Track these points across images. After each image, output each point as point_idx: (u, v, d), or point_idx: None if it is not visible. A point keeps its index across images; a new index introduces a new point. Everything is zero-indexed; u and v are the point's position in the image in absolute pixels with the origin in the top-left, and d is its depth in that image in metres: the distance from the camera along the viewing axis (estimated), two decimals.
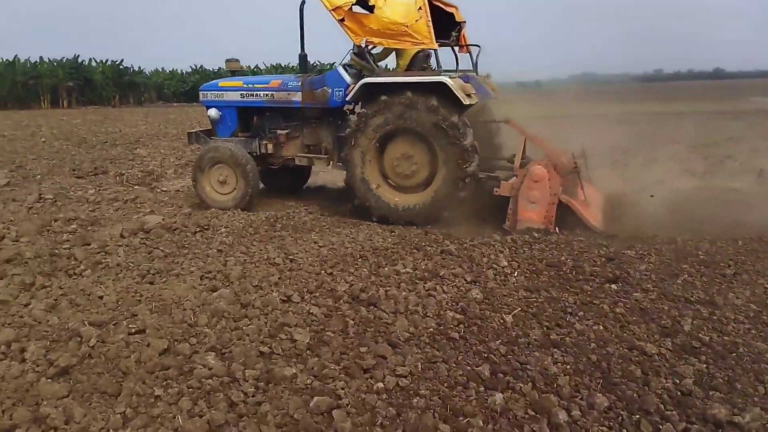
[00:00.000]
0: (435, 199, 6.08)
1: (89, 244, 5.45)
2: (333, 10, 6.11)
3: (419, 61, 6.89)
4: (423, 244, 5.45)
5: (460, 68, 7.21)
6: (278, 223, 6.36)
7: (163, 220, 6.08)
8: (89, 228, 6.17)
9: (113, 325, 3.67)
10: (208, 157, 6.90)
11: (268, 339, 3.41)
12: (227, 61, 7.56)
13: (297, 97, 6.83)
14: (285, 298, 4.11)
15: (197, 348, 3.34)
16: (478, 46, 7.21)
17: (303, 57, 7.02)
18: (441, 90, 5.84)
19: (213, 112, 7.33)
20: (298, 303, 4.03)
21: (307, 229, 6.16)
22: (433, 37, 5.99)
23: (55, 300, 4.07)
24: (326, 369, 2.97)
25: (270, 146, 7.10)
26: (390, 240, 5.62)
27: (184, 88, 53.41)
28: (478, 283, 4.31)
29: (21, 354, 3.27)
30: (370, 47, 6.28)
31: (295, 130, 7.10)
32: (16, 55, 37.88)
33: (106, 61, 46.57)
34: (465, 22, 7.01)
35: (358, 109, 6.75)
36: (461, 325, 3.51)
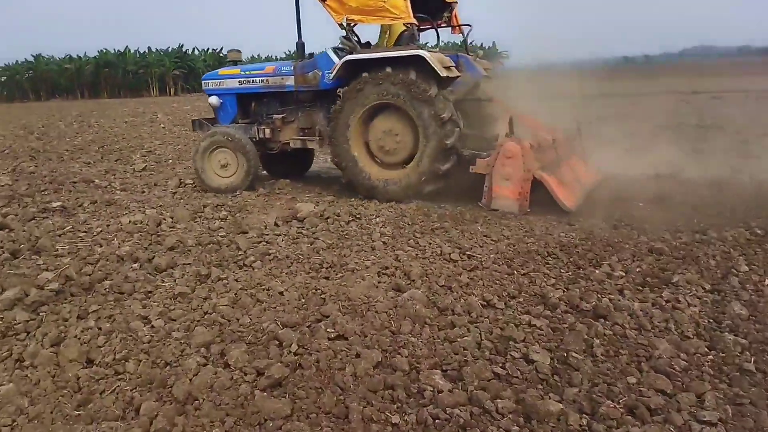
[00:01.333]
0: (418, 173, 6.12)
1: (246, 233, 5.19)
2: None
3: (404, 40, 6.91)
4: (616, 240, 4.73)
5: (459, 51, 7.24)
6: (432, 213, 5.85)
7: (315, 207, 5.72)
8: (237, 214, 5.96)
9: (307, 327, 3.28)
10: (208, 142, 7.06)
11: (497, 357, 2.88)
12: (229, 51, 7.86)
13: (290, 81, 6.97)
14: (485, 303, 3.58)
15: (414, 363, 2.86)
16: (470, 25, 7.33)
17: (301, 44, 7.10)
18: (420, 63, 5.87)
19: (214, 100, 7.51)
20: (502, 309, 3.49)
21: (468, 220, 5.59)
22: (410, 12, 6.01)
23: (235, 294, 3.76)
24: (602, 407, 2.37)
25: (267, 131, 7.23)
26: (574, 235, 4.93)
27: None
28: (722, 293, 3.55)
29: (223, 359, 2.94)
30: (351, 25, 6.40)
31: (290, 114, 7.23)
32: (127, 46, 40.20)
33: (208, 49, 48.51)
34: (456, 2, 7.14)
35: None
36: (746, 352, 2.79)
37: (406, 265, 4.23)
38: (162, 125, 16.62)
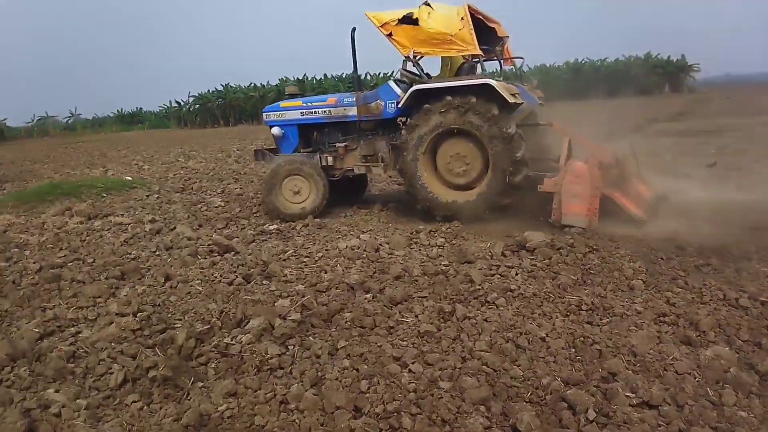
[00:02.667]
0: (478, 200, 6.32)
1: (472, 262, 4.76)
2: (381, 26, 6.50)
3: (465, 71, 7.26)
4: None
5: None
6: (686, 245, 4.93)
7: (544, 236, 5.13)
8: (453, 241, 5.60)
9: (596, 387, 2.70)
10: (285, 169, 7.23)
11: None
12: (287, 85, 8.90)
13: (352, 111, 7.24)
14: None
15: None
16: (522, 58, 7.61)
17: (357, 78, 7.49)
18: (486, 92, 6.05)
19: (276, 131, 7.75)
20: None
21: (735, 255, 4.60)
22: (476, 44, 6.19)
23: (490, 337, 3.29)
24: None
25: (330, 159, 7.45)
26: None
27: None
28: None
29: (508, 421, 2.47)
30: (417, 58, 6.60)
31: (352, 142, 7.44)
32: (305, 74, 43.68)
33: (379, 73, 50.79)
34: (508, 36, 7.36)
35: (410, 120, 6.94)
36: None
37: (689, 313, 3.45)
38: None
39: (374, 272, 4.71)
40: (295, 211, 7.18)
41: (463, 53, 6.60)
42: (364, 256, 5.20)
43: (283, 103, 7.86)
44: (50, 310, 4.12)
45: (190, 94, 50.78)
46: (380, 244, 5.46)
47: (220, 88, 48.25)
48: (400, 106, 6.73)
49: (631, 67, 48.80)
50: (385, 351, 3.20)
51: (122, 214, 7.90)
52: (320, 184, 7.17)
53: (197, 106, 49.56)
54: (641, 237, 5.27)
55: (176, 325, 3.72)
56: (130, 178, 11.52)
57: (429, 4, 6.52)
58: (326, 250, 5.54)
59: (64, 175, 13.82)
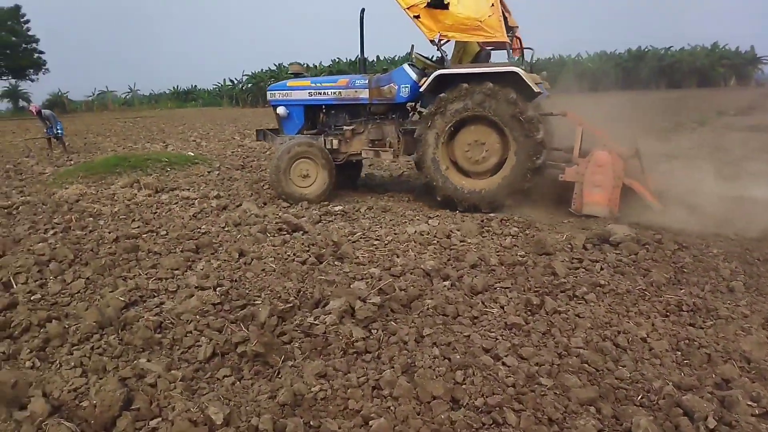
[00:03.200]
0: (501, 186, 6.26)
1: (550, 254, 4.58)
2: (408, 8, 6.33)
3: (482, 59, 7.08)
4: None
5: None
6: (757, 253, 4.61)
7: (628, 230, 4.88)
8: (527, 231, 5.41)
9: (710, 394, 2.52)
10: (295, 151, 6.92)
11: None
12: (290, 64, 7.92)
13: (364, 94, 7.05)
14: None
15: None
16: (531, 48, 7.36)
17: (363, 60, 7.45)
18: (512, 80, 6.06)
19: (282, 110, 7.47)
20: None
21: None
22: (504, 31, 6.17)
23: (585, 334, 3.13)
24: None
25: (335, 142, 7.25)
26: None
27: None
28: None
29: (621, 425, 2.31)
30: (442, 42, 6.43)
31: (359, 126, 7.26)
32: (356, 56, 43.22)
33: None
34: (518, 26, 7.15)
35: (419, 106, 7.07)
36: None
37: None
38: None
39: (448, 259, 4.59)
40: (301, 195, 6.95)
41: (490, 40, 6.40)
42: (435, 242, 5.09)
43: (290, 83, 7.58)
44: (131, 280, 4.17)
45: (244, 73, 51.35)
46: (451, 231, 5.32)
47: (274, 68, 48.53)
48: (422, 89, 6.53)
49: (697, 57, 46.59)
50: (474, 341, 3.09)
51: (188, 189, 8.02)
52: (329, 169, 6.98)
53: (250, 85, 50.03)
54: (732, 236, 4.96)
55: (256, 302, 3.70)
56: (191, 154, 11.71)
57: None
58: (395, 234, 5.44)
59: (126, 149, 14.20)
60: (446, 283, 4.02)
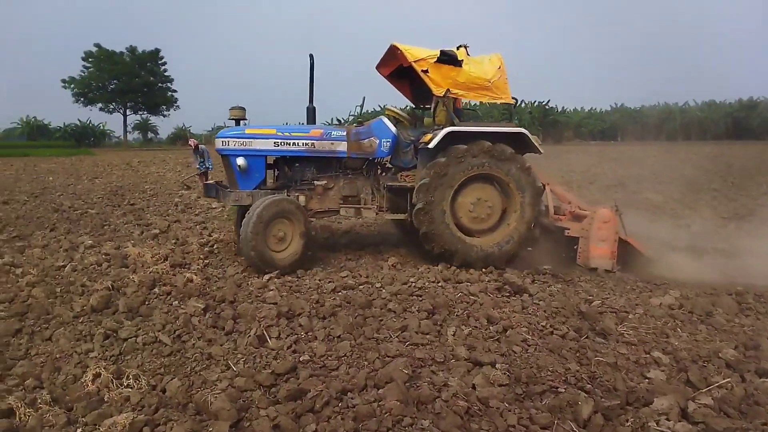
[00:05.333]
0: (513, 239, 6.27)
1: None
2: (415, 62, 6.16)
3: (460, 117, 6.81)
4: None
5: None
6: None
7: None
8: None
9: None
10: (272, 211, 5.88)
11: None
12: (231, 109, 6.69)
13: (342, 147, 6.52)
14: None
15: None
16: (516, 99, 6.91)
17: (312, 109, 6.77)
18: (518, 139, 6.27)
19: (242, 161, 6.32)
20: None
21: None
22: (510, 93, 6.41)
23: None
24: None
25: (302, 198, 6.45)
26: None
27: (602, 126, 52.31)
28: None
29: None
30: (449, 98, 6.33)
31: (330, 180, 6.69)
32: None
33: (535, 102, 49.29)
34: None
35: (390, 162, 6.88)
36: None
37: None
38: None
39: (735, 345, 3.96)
40: (273, 260, 5.86)
41: (495, 101, 6.51)
42: (696, 319, 4.47)
43: (249, 130, 6.51)
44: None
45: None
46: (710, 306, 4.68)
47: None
48: (430, 146, 6.06)
49: None
50: None
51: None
52: (305, 231, 6.04)
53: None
54: None
55: (559, 389, 3.26)
56: None
57: (466, 48, 6.47)
58: (636, 304, 4.88)
59: None
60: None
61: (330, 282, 5.38)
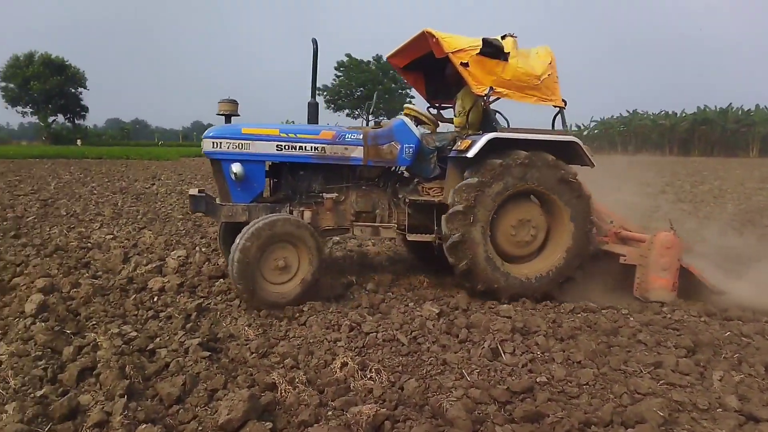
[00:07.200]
0: (568, 259, 5.26)
1: None
2: (453, 53, 5.01)
3: (491, 120, 5.40)
4: None
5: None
6: None
7: None
8: None
9: None
10: (273, 232, 4.70)
11: None
12: (220, 102, 5.30)
13: (357, 152, 5.31)
14: None
15: None
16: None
17: (314, 105, 5.55)
18: (566, 149, 5.30)
19: (238, 168, 5.10)
20: None
21: None
22: (560, 95, 5.35)
23: None
24: None
25: (308, 214, 5.19)
26: None
27: None
28: None
29: None
30: (492, 98, 5.22)
31: (341, 193, 5.50)
32: (730, 104, 37.53)
33: None
34: None
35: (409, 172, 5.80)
36: None
37: None
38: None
39: None
40: (279, 294, 4.79)
41: (543, 103, 5.34)
42: None
43: (246, 129, 5.23)
44: None
45: (592, 119, 50.51)
46: None
47: (626, 113, 46.26)
48: (469, 154, 4.98)
49: None
50: None
51: None
52: (317, 260, 4.84)
53: (596, 131, 48.71)
54: None
55: None
56: None
57: (514, 37, 5.25)
58: None
59: None
60: None
61: (568, 302, 5.05)
